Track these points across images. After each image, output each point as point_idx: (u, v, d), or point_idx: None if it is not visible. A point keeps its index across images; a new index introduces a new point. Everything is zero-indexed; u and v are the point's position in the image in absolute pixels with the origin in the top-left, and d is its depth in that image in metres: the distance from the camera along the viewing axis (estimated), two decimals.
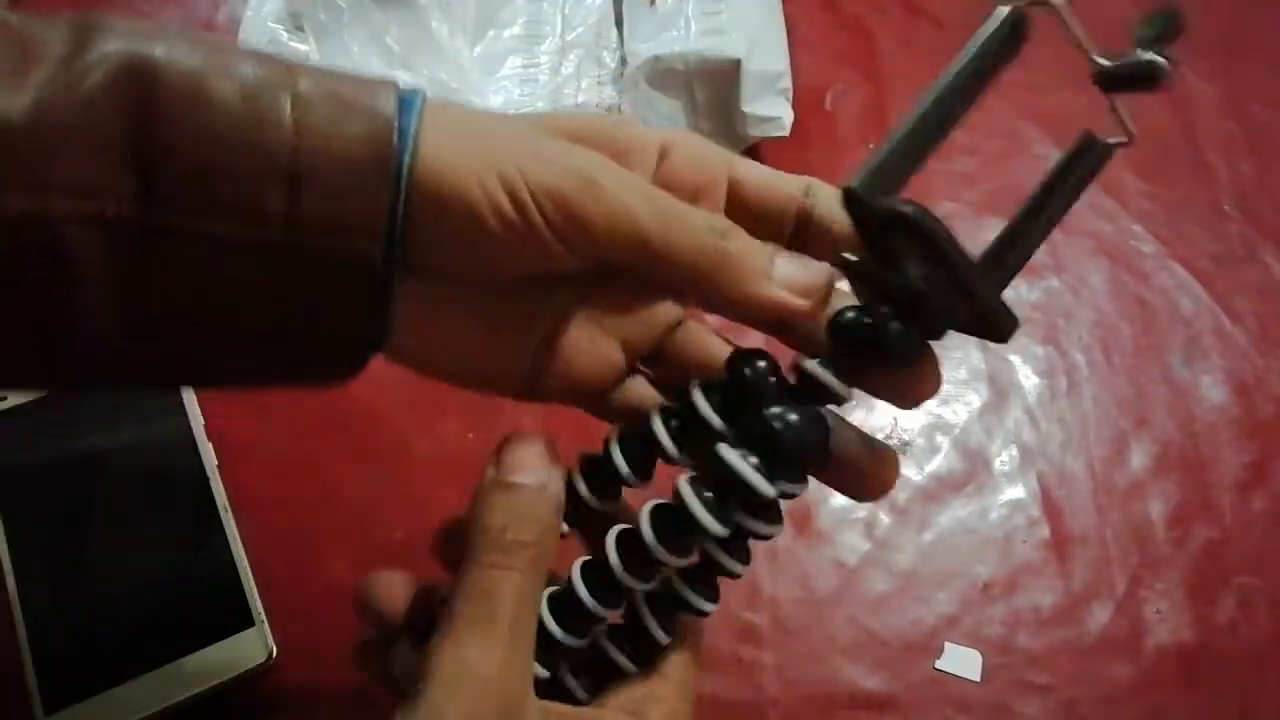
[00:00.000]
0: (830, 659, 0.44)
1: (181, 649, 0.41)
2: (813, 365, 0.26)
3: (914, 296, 0.24)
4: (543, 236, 0.25)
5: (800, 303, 0.26)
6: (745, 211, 0.28)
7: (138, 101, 0.23)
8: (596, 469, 0.29)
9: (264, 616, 0.42)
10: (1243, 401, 0.51)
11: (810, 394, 0.26)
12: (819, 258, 0.27)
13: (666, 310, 0.29)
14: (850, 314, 0.26)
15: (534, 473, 0.27)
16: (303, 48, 0.59)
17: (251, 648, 0.42)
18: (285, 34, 0.61)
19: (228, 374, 0.28)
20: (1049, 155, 0.60)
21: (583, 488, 0.28)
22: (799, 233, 0.28)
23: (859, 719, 0.42)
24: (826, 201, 0.27)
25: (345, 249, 0.24)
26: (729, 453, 0.25)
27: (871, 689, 0.43)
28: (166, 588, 0.43)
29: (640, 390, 0.30)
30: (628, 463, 0.28)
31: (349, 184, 0.24)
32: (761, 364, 0.27)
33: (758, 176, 0.28)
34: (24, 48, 0.23)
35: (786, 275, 0.26)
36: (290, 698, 0.42)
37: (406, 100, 0.25)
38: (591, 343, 0.29)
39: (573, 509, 0.28)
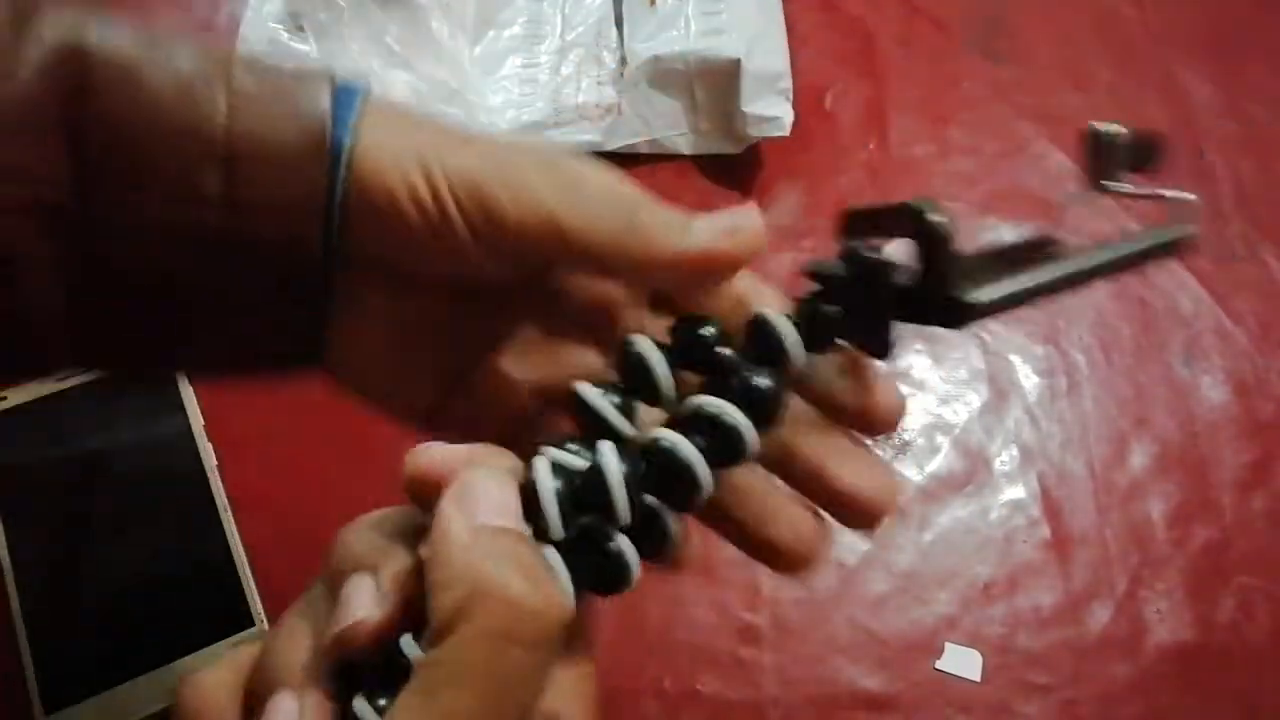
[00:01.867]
0: (830, 659, 0.44)
1: (181, 649, 0.41)
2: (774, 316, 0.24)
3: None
4: (456, 228, 0.24)
5: (725, 244, 0.24)
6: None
7: (72, 86, 0.23)
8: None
9: (263, 617, 0.42)
10: (1243, 401, 0.51)
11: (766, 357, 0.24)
12: None
13: (584, 357, 0.28)
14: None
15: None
16: (303, 47, 0.59)
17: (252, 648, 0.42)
18: (285, 34, 0.61)
19: (180, 360, 0.28)
20: (1048, 155, 0.60)
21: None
22: None
23: (859, 719, 0.42)
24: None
25: (283, 231, 0.24)
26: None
27: (871, 689, 0.43)
28: (166, 587, 0.43)
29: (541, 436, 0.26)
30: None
31: (285, 167, 0.24)
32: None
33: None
34: None
35: (705, 225, 0.25)
36: None
37: (344, 90, 0.25)
38: (505, 379, 0.28)
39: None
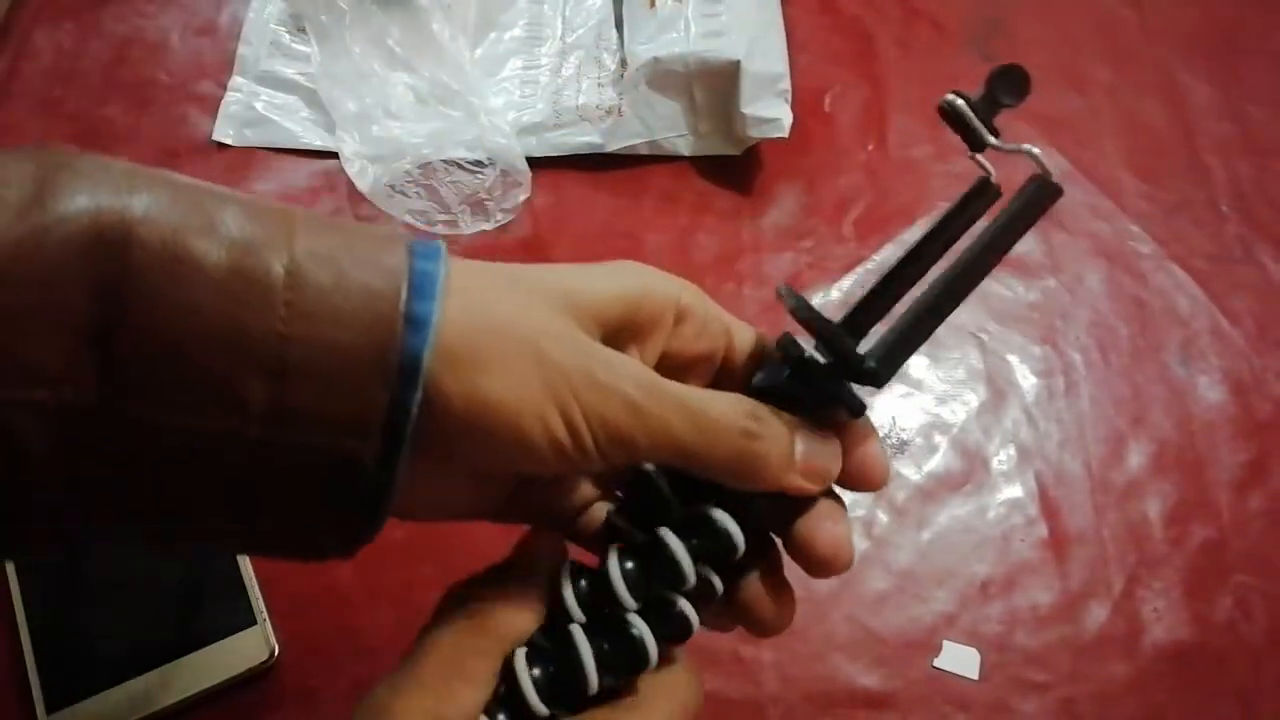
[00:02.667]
0: (829, 657, 0.44)
1: (183, 647, 0.41)
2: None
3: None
4: (591, 459, 0.24)
5: (816, 488, 0.27)
6: (734, 371, 0.29)
7: (107, 276, 0.20)
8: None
9: (265, 615, 0.42)
10: (1240, 401, 0.52)
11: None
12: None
13: None
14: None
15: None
16: (304, 49, 0.59)
17: (253, 647, 0.42)
18: (287, 35, 0.61)
19: (202, 547, 0.26)
20: (1047, 156, 0.60)
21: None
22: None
23: (858, 716, 0.43)
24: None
25: (333, 448, 0.22)
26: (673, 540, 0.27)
27: (870, 687, 0.43)
28: (168, 587, 0.43)
29: (603, 510, 0.30)
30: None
31: (344, 379, 0.21)
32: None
33: (746, 343, 0.29)
34: None
35: (807, 462, 0.27)
36: (291, 697, 0.42)
37: (421, 276, 0.22)
38: (567, 484, 0.30)
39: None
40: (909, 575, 0.46)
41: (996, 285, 0.55)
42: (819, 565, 0.28)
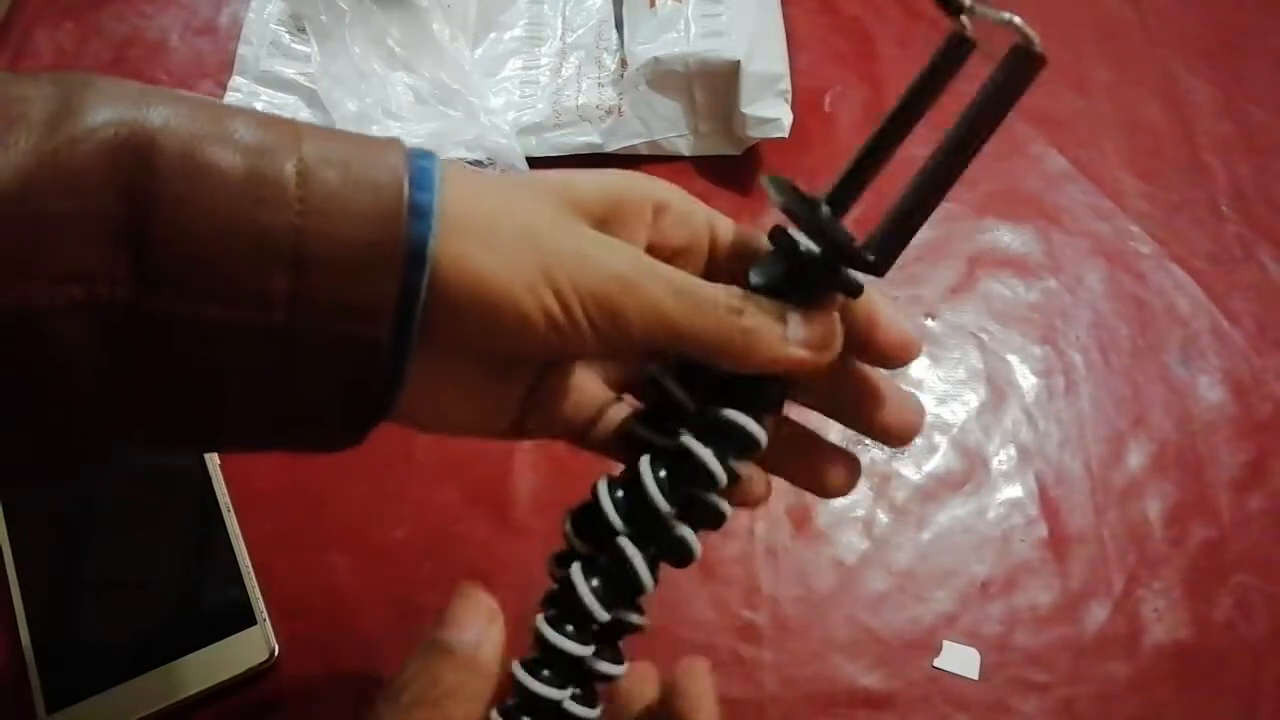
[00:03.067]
0: (829, 657, 0.44)
1: (183, 648, 0.41)
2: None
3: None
4: (584, 335, 0.25)
5: (815, 358, 0.27)
6: (719, 263, 0.30)
7: (136, 181, 0.21)
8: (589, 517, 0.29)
9: (265, 615, 0.42)
10: (1240, 401, 0.52)
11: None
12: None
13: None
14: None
15: (472, 630, 0.27)
16: (304, 49, 0.59)
17: (253, 647, 0.42)
18: (287, 35, 0.61)
19: (225, 442, 0.27)
20: (1047, 156, 0.60)
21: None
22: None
23: (858, 716, 0.43)
24: None
25: (353, 332, 0.23)
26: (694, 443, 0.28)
27: (870, 687, 0.43)
28: (169, 587, 0.43)
29: (619, 415, 0.31)
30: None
31: (357, 266, 0.23)
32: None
33: (728, 234, 0.30)
34: (2, 108, 0.21)
35: (799, 336, 0.27)
36: (291, 697, 0.42)
37: (419, 171, 0.24)
38: (578, 384, 0.30)
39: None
40: (909, 575, 0.46)
41: (996, 285, 0.55)
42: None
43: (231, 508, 0.45)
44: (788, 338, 0.27)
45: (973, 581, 0.46)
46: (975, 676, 0.44)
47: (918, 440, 0.50)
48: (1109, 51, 0.65)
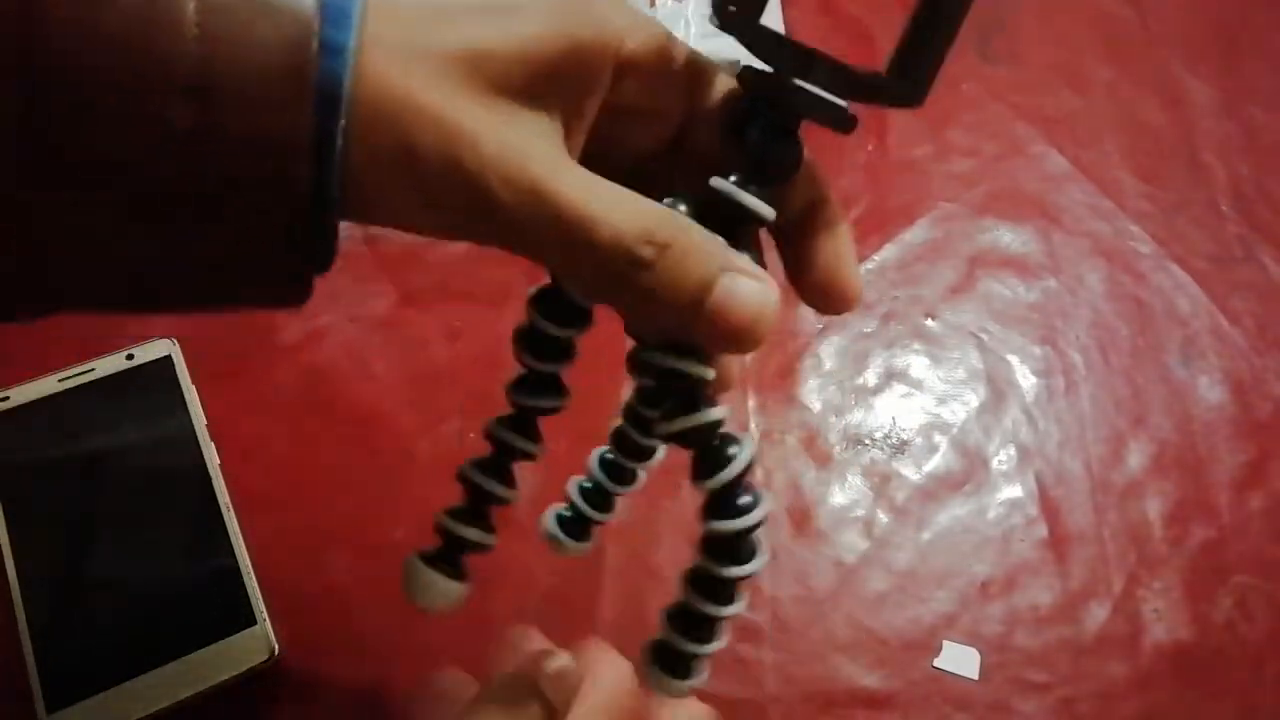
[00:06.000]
0: (829, 657, 0.44)
1: (184, 647, 0.41)
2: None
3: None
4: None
5: (734, 349, 0.25)
6: (710, 119, 0.27)
7: (25, 3, 0.20)
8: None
9: (265, 615, 0.42)
10: (1240, 401, 0.52)
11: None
12: None
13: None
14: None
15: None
16: None
17: (253, 646, 0.42)
18: None
19: (156, 299, 0.25)
20: (1047, 156, 0.60)
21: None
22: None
23: (858, 717, 0.43)
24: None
25: (264, 169, 0.22)
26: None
27: (870, 687, 0.43)
28: (169, 586, 0.43)
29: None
30: None
31: (264, 100, 0.21)
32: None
33: (720, 86, 0.27)
34: None
35: (721, 303, 0.24)
36: (292, 696, 0.42)
37: (334, 10, 0.22)
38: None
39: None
40: (909, 575, 0.46)
41: (996, 285, 0.55)
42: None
43: (231, 508, 0.45)
44: (702, 306, 0.23)
45: (973, 581, 0.46)
46: (975, 676, 0.44)
47: (918, 440, 0.50)
48: (1109, 51, 0.65)
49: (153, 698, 0.40)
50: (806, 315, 0.54)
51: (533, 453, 0.30)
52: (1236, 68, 0.64)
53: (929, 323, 0.54)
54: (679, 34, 0.57)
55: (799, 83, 0.24)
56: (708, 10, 0.57)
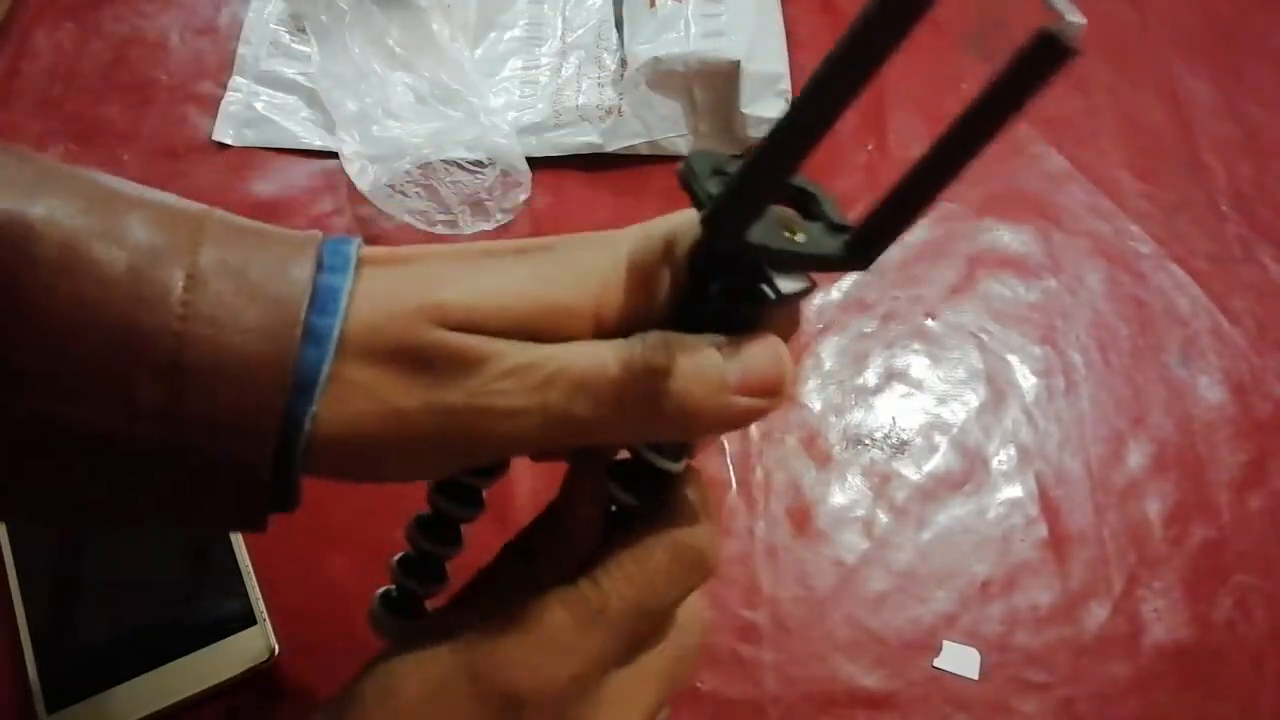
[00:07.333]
0: (829, 657, 0.44)
1: (183, 647, 0.41)
2: None
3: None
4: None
5: (769, 404, 0.25)
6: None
7: (5, 265, 0.20)
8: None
9: (265, 615, 0.42)
10: (1240, 401, 0.52)
11: None
12: None
13: None
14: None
15: None
16: (304, 49, 0.59)
17: (253, 646, 0.42)
18: (287, 35, 0.61)
19: (109, 524, 0.25)
20: (1047, 156, 0.60)
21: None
22: None
23: (858, 716, 0.43)
24: None
25: (225, 455, 0.22)
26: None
27: (870, 687, 0.43)
28: (168, 586, 0.43)
29: None
30: None
31: (236, 386, 0.21)
32: None
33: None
34: None
35: (744, 379, 0.25)
36: (291, 696, 0.42)
37: (324, 291, 0.22)
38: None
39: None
40: (909, 575, 0.46)
41: (996, 285, 0.55)
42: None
43: None
44: (727, 391, 0.24)
45: (973, 581, 0.46)
46: (975, 676, 0.44)
47: (918, 440, 0.50)
48: (1109, 51, 0.65)
49: (153, 698, 0.40)
50: (806, 316, 0.54)
51: (473, 516, 0.32)
52: (1236, 68, 0.64)
53: (929, 323, 0.54)
54: (679, 34, 0.57)
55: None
56: (707, 10, 0.57)
